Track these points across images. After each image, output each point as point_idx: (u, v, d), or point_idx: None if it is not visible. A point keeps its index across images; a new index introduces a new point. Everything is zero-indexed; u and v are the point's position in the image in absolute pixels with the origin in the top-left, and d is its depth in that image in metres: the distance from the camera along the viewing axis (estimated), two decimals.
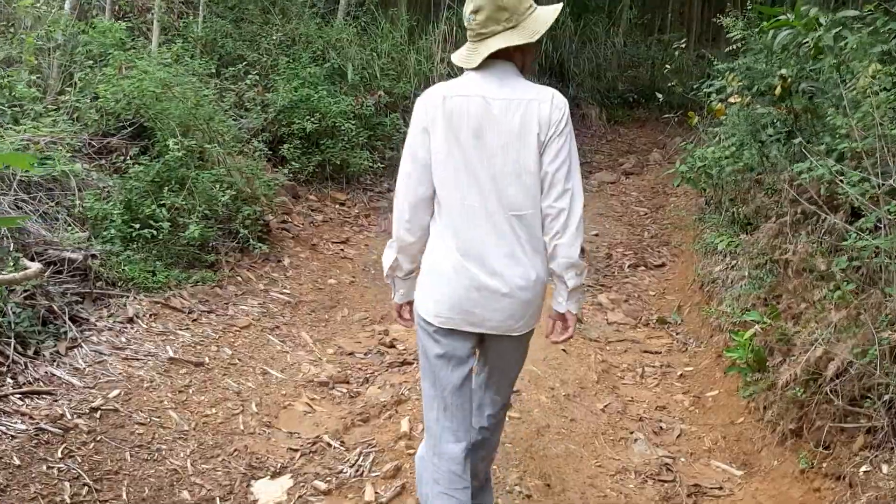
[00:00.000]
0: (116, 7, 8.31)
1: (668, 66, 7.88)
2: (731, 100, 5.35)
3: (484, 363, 2.82)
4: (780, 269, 5.01)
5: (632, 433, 4.59)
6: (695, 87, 7.63)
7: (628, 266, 7.93)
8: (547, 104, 2.45)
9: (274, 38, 9.39)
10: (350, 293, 6.78)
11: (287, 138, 8.58)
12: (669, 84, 7.77)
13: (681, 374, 5.63)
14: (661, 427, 4.76)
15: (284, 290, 6.40)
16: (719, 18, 5.89)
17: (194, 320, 5.37)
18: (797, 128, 5.19)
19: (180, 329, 5.17)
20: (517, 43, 2.45)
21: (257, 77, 8.80)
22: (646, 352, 6.09)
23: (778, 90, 4.89)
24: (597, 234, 8.96)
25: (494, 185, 2.46)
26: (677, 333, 6.44)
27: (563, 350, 5.62)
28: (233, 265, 6.41)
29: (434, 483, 2.65)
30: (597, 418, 4.76)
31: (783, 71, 4.79)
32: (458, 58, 2.57)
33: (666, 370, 5.72)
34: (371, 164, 9.15)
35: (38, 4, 6.84)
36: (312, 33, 9.75)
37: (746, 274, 5.28)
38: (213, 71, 8.14)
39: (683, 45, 7.84)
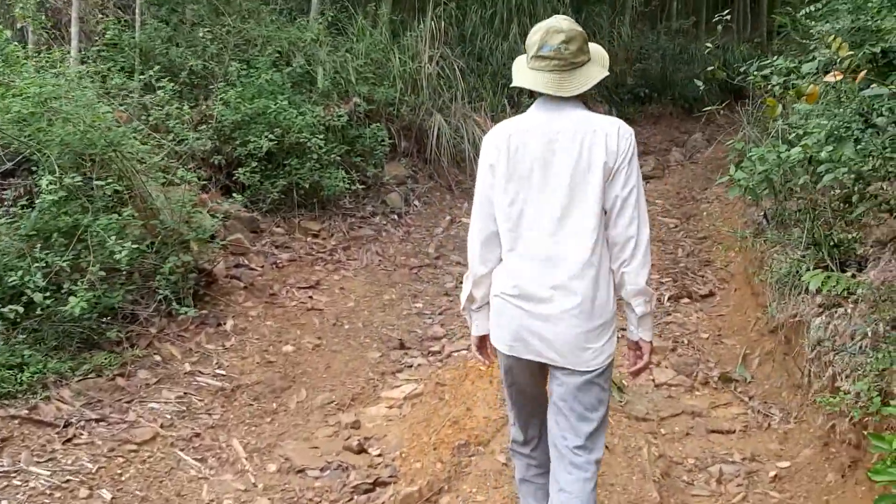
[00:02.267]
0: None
1: (708, 45, 5.77)
2: (830, 77, 3.48)
3: (556, 399, 2.59)
4: None
5: None
6: (742, 70, 5.77)
7: (668, 298, 6.03)
8: (614, 134, 2.39)
9: (225, 40, 7.52)
10: (312, 363, 4.91)
11: (244, 160, 6.73)
12: (708, 69, 5.81)
13: (775, 476, 3.75)
14: None
15: (219, 371, 4.53)
16: None
17: (67, 440, 3.52)
18: None
19: (38, 461, 3.32)
20: (605, 75, 2.47)
21: (205, 88, 6.98)
22: (715, 432, 4.21)
23: None
24: None
25: (555, 217, 2.41)
26: (750, 398, 4.55)
27: (606, 446, 3.77)
28: (152, 338, 4.57)
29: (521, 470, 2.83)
30: None
31: None
32: (541, 84, 2.40)
33: (752, 467, 3.84)
34: (349, 186, 7.27)
35: None
36: (273, 33, 7.88)
37: (870, 332, 3.40)
38: (147, 83, 6.27)
39: (713, 44, 5.92)
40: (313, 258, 6.58)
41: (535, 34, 2.39)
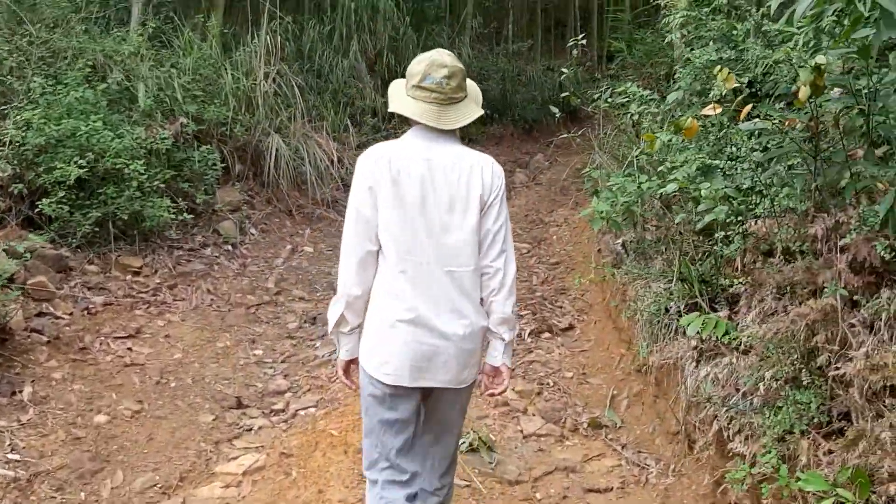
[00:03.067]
0: None
1: (564, 70, 5.44)
2: (708, 110, 3.17)
3: (427, 420, 2.68)
4: (830, 387, 2.87)
5: None
6: (597, 95, 5.50)
7: (529, 333, 5.64)
8: (489, 169, 2.49)
9: (28, 52, 6.48)
10: (131, 435, 4.09)
11: (50, 188, 5.75)
12: (563, 95, 5.51)
13: None
14: None
15: (11, 456, 3.63)
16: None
17: None
18: (820, 150, 3.06)
19: None
20: (480, 113, 2.55)
21: (1, 106, 5.95)
22: (592, 491, 3.81)
23: (804, 90, 2.75)
24: None
25: (438, 244, 2.46)
26: (623, 446, 4.19)
27: None
28: None
29: None
30: None
31: (820, 58, 2.64)
32: (420, 114, 2.44)
33: None
34: (176, 215, 6.42)
35: None
36: (85, 45, 6.89)
37: (762, 387, 3.09)
38: None
39: (566, 70, 5.65)
40: (133, 300, 5.69)
41: (419, 64, 2.45)
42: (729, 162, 3.45)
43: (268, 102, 8.47)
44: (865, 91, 3.06)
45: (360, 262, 2.48)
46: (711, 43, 4.09)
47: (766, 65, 3.72)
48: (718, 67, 2.82)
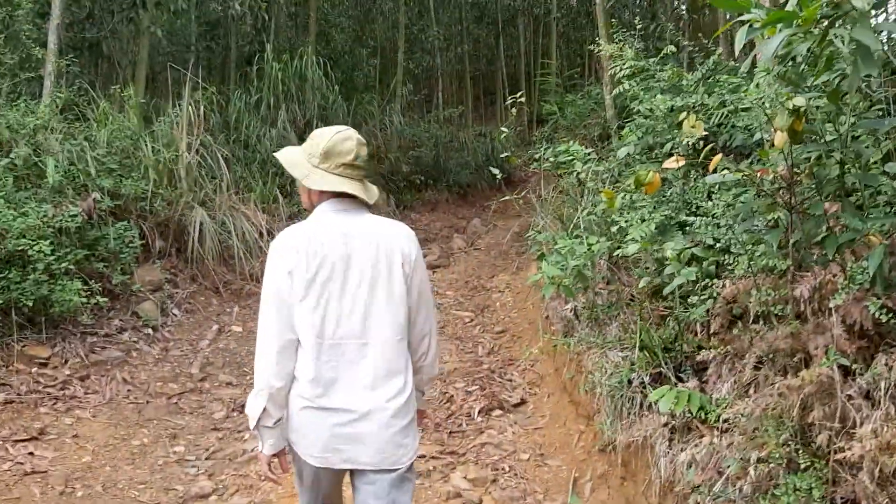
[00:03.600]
0: None
1: (503, 129, 5.14)
2: (671, 163, 2.86)
3: None
4: (832, 469, 2.50)
5: None
6: (538, 155, 5.20)
7: (479, 412, 5.18)
8: (406, 237, 2.49)
9: None
10: None
11: None
12: (503, 155, 5.21)
13: None
14: None
15: None
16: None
17: None
18: (797, 203, 2.76)
19: None
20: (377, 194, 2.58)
21: None
22: None
23: (780, 136, 2.44)
24: None
25: (363, 321, 2.38)
26: None
27: None
28: None
29: None
30: None
31: (798, 100, 2.34)
32: (351, 189, 2.43)
33: None
34: (88, 299, 5.81)
35: None
36: None
37: (753, 473, 2.70)
38: None
39: (505, 130, 5.40)
40: (38, 396, 5.05)
41: (345, 143, 2.43)
42: (694, 218, 3.12)
43: (191, 175, 7.98)
44: (838, 137, 2.79)
45: (280, 351, 2.36)
46: (660, 94, 3.83)
47: (721, 115, 3.44)
48: (685, 114, 2.49)
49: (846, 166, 2.83)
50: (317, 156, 2.42)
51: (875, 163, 3.06)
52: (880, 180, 2.94)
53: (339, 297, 2.37)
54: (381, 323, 2.41)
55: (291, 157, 2.51)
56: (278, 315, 2.36)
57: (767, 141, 3.07)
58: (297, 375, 2.40)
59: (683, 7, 12.63)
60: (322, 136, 2.46)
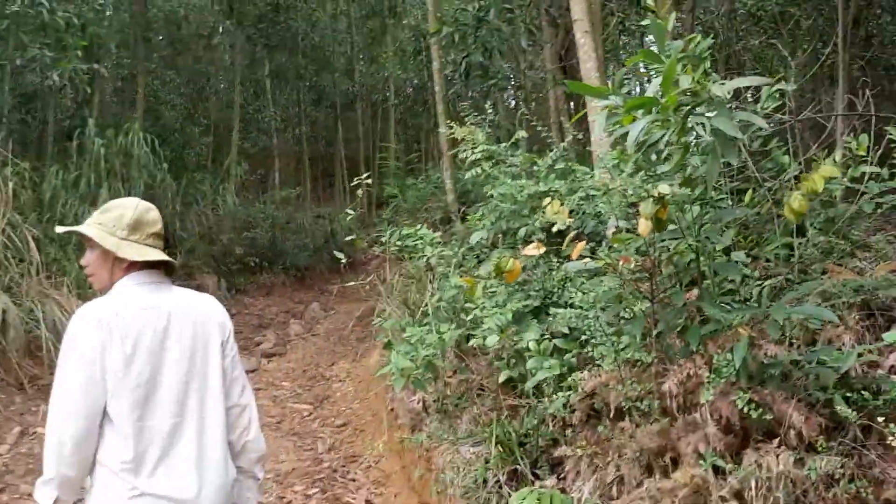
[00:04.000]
0: None
1: (349, 210, 4.89)
2: (531, 250, 2.70)
3: None
4: None
5: None
6: (384, 238, 4.97)
7: None
8: (218, 309, 2.39)
9: None
10: None
11: None
12: (348, 238, 4.96)
13: None
14: None
15: None
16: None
17: None
18: (657, 292, 2.67)
19: None
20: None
21: None
22: None
23: (645, 224, 2.35)
24: None
25: (182, 398, 2.22)
26: None
27: None
28: None
29: None
30: None
31: (663, 187, 2.25)
32: (158, 257, 2.29)
33: None
34: None
35: None
36: None
37: None
38: None
39: (351, 212, 5.19)
40: None
41: (150, 213, 2.35)
42: (557, 309, 2.98)
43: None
44: (691, 225, 2.75)
45: (79, 439, 2.14)
46: (511, 179, 3.73)
47: (572, 202, 3.36)
48: (549, 199, 2.34)
49: (699, 255, 2.79)
50: (124, 227, 2.28)
51: (720, 252, 3.07)
52: (728, 269, 2.93)
53: (156, 374, 2.21)
54: (202, 401, 2.29)
55: (91, 231, 2.31)
56: (84, 397, 2.13)
57: (620, 229, 2.99)
58: (105, 461, 2.18)
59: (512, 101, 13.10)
60: (124, 208, 2.33)
